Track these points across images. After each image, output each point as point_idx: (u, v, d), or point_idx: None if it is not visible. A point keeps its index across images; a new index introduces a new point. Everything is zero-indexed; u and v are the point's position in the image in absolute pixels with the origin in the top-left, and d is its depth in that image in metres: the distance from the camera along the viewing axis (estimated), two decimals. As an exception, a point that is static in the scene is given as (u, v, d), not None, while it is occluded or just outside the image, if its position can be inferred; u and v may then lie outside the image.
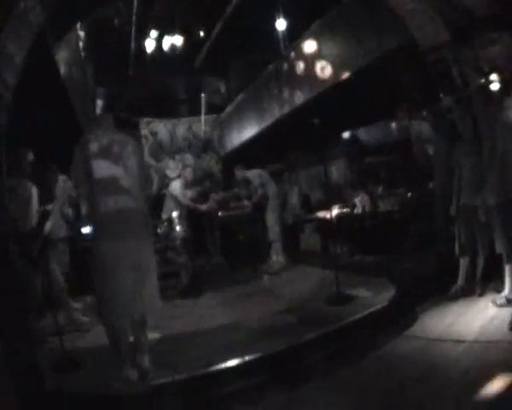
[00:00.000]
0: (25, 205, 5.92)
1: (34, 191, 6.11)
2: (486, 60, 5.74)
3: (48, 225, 6.12)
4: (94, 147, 4.27)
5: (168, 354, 4.72)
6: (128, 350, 4.21)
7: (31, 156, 6.19)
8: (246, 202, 10.51)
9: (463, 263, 5.74)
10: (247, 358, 4.34)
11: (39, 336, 5.32)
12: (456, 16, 5.98)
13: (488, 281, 5.68)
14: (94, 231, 4.42)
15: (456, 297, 5.62)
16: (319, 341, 4.72)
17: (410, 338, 4.81)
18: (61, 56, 7.31)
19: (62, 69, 7.34)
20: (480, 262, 5.70)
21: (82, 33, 9.74)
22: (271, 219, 9.49)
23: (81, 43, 9.73)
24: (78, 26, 9.11)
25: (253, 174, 9.89)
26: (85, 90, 10.81)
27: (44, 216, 6.09)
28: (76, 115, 8.72)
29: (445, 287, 5.87)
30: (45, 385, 3.99)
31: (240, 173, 10.23)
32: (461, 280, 5.74)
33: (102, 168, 4.21)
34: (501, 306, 4.99)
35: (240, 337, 5.05)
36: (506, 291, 5.05)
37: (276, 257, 9.33)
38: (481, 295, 5.55)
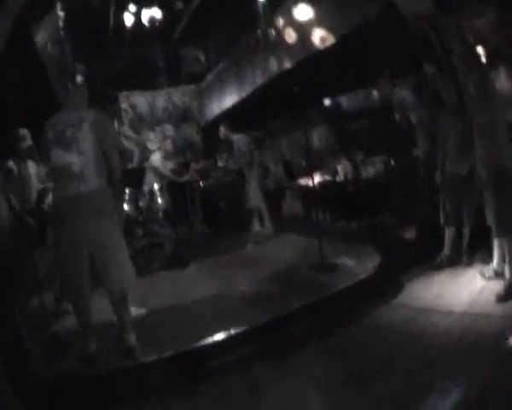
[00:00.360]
0: (23, 185, 6.01)
1: (32, 170, 6.16)
2: (471, 31, 5.71)
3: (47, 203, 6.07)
4: (50, 134, 4.24)
5: (154, 330, 4.73)
6: (85, 329, 4.28)
7: (27, 135, 6.16)
8: (229, 167, 10.26)
9: (449, 232, 5.75)
10: (232, 331, 4.36)
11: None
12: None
13: (475, 251, 5.68)
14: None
15: (441, 266, 5.65)
16: (304, 311, 4.74)
17: (396, 307, 4.86)
18: (41, 37, 7.25)
19: (41, 49, 7.27)
20: (466, 232, 5.70)
21: (61, 13, 9.72)
22: (255, 186, 9.27)
23: (60, 23, 9.69)
24: (58, 6, 9.02)
25: (241, 140, 9.49)
26: (64, 67, 10.71)
27: (43, 194, 6.05)
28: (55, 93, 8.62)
29: (429, 255, 5.89)
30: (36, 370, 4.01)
31: (225, 133, 9.73)
32: (446, 249, 5.76)
33: (55, 156, 4.21)
34: (489, 278, 5.01)
35: (225, 308, 5.08)
36: (494, 264, 5.04)
37: (262, 226, 9.20)
38: (468, 265, 5.58)
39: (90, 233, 4.11)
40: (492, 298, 4.47)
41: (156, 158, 9.21)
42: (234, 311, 4.95)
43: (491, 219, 4.84)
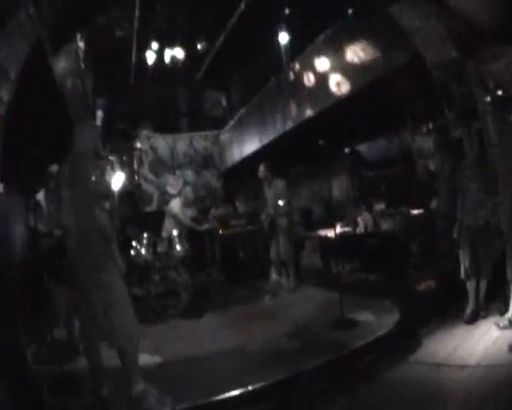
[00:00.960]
0: (49, 219, 5.93)
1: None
2: (491, 75, 5.71)
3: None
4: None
5: (169, 381, 4.62)
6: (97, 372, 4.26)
7: (54, 169, 6.18)
8: (264, 216, 9.46)
9: (471, 286, 5.63)
10: (249, 386, 4.24)
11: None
12: (463, 30, 5.95)
13: (491, 302, 5.61)
14: None
15: (472, 321, 5.49)
16: (323, 368, 4.62)
17: (413, 364, 4.75)
18: (60, 67, 7.19)
19: (60, 80, 7.22)
20: (483, 285, 5.59)
21: (82, 44, 9.68)
22: (284, 236, 8.90)
23: (81, 54, 9.67)
24: (79, 36, 9.03)
25: (280, 183, 9.02)
26: (84, 101, 10.75)
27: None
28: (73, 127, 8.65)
29: (448, 308, 5.82)
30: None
31: (265, 174, 9.15)
32: (472, 303, 5.62)
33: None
34: (504, 328, 4.95)
35: (242, 363, 4.98)
36: (509, 314, 4.99)
37: (286, 278, 8.91)
38: (484, 317, 5.48)
39: (92, 286, 4.13)
40: (505, 347, 4.44)
41: (176, 204, 9.21)
42: (251, 365, 4.85)
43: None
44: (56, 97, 7.00)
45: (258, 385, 4.28)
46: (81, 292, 4.20)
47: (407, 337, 5.29)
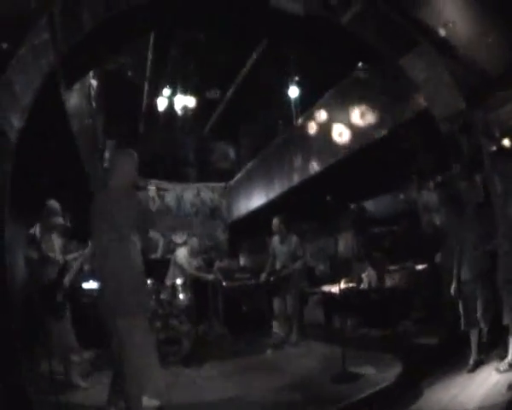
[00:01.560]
0: (47, 256, 5.97)
1: (57, 242, 6.19)
2: (497, 123, 5.80)
3: (67, 278, 6.09)
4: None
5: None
6: None
7: (57, 210, 6.24)
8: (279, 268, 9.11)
9: (473, 336, 5.63)
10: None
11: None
12: (471, 78, 6.06)
13: (492, 349, 5.62)
14: None
15: (475, 369, 5.45)
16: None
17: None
18: (72, 103, 7.23)
19: (72, 117, 7.25)
20: (484, 332, 5.61)
21: (94, 82, 9.78)
22: (294, 294, 8.73)
23: (93, 92, 9.76)
24: (91, 74, 9.14)
25: (295, 239, 8.92)
26: (95, 141, 10.82)
27: (63, 268, 6.08)
28: (83, 166, 8.70)
29: (450, 359, 5.83)
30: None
31: (279, 227, 9.00)
32: (474, 353, 5.60)
33: None
34: (504, 372, 4.97)
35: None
36: (509, 357, 5.01)
37: (290, 333, 8.61)
38: (485, 363, 5.48)
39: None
40: (504, 389, 4.48)
41: (182, 253, 9.27)
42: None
43: (509, 318, 4.93)
44: (66, 132, 7.08)
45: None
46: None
47: (408, 389, 5.24)
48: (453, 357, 5.82)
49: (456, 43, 5.98)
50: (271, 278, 9.11)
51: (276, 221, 9.01)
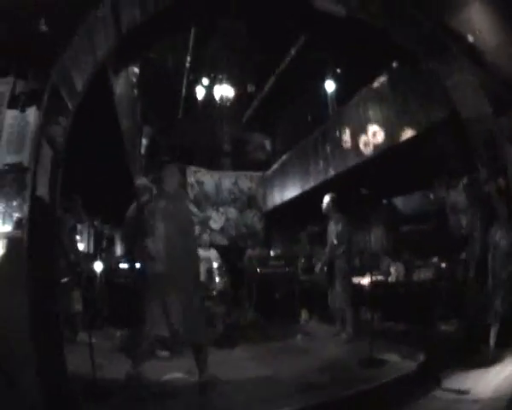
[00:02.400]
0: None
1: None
2: None
3: None
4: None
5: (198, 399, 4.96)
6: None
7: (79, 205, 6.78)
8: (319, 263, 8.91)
9: (494, 330, 5.92)
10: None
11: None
12: (498, 87, 6.22)
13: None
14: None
15: (490, 363, 5.67)
16: (351, 399, 4.85)
17: (433, 400, 5.00)
18: (117, 90, 7.44)
19: (118, 104, 7.47)
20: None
21: (136, 69, 9.93)
22: (343, 283, 8.12)
23: (134, 79, 9.91)
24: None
25: (342, 219, 8.19)
26: (136, 129, 11.00)
27: None
28: (125, 154, 8.95)
29: (469, 353, 6.03)
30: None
31: (329, 208, 8.33)
32: (492, 347, 5.90)
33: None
34: None
35: (272, 391, 5.16)
36: None
37: (343, 328, 8.11)
38: (501, 357, 5.71)
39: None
40: None
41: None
42: (280, 394, 5.02)
43: None
44: (112, 119, 7.35)
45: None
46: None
47: (428, 378, 5.47)
48: (473, 353, 6.03)
49: (483, 50, 6.15)
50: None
51: (327, 201, 8.38)
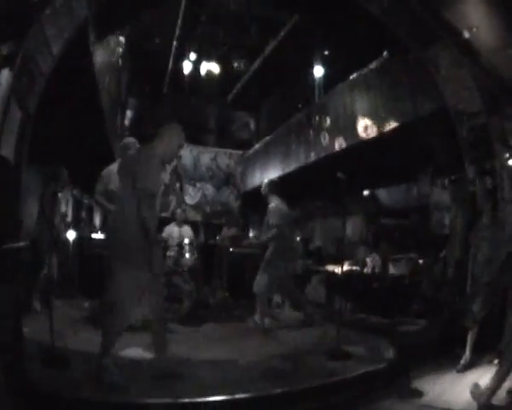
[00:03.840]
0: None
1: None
2: None
3: None
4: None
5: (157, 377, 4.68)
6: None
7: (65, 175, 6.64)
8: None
9: (472, 335, 5.68)
10: (236, 396, 4.29)
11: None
12: (492, 85, 6.08)
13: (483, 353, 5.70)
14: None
15: (464, 370, 5.54)
16: (310, 392, 4.67)
17: (401, 402, 4.80)
18: (99, 58, 7.23)
19: (98, 70, 7.25)
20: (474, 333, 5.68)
21: (122, 39, 9.71)
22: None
23: (120, 49, 9.70)
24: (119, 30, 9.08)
25: (269, 210, 7.83)
26: (118, 98, 10.81)
27: None
28: (104, 122, 8.74)
29: (442, 354, 5.91)
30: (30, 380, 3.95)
31: (265, 192, 7.96)
32: (468, 353, 5.66)
33: None
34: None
35: (232, 374, 4.99)
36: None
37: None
38: (475, 365, 5.56)
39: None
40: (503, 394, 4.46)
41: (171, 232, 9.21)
42: (240, 378, 4.86)
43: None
44: (91, 87, 7.12)
45: (241, 395, 4.32)
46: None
47: (397, 376, 5.33)
48: (445, 354, 5.89)
49: (478, 47, 5.99)
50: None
51: (264, 184, 8.19)
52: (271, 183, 8.09)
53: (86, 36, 5.86)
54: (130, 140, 6.50)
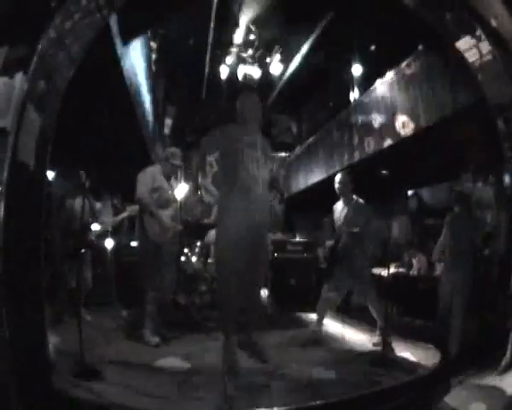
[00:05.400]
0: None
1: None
2: None
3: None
4: None
5: (195, 388, 4.60)
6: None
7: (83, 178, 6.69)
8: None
9: None
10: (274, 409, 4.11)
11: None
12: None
13: None
14: None
15: (505, 371, 5.21)
16: (355, 402, 4.48)
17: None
18: (128, 62, 7.14)
19: (128, 77, 7.15)
20: None
21: (154, 44, 9.64)
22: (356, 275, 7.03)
23: (153, 55, 9.64)
24: (150, 35, 9.03)
25: (356, 205, 7.13)
26: (155, 105, 10.78)
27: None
28: (140, 128, 8.72)
29: (485, 358, 5.57)
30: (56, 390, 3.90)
31: (342, 186, 7.13)
32: (509, 355, 5.29)
33: None
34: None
35: (273, 384, 4.83)
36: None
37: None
38: None
39: None
40: None
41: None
42: (282, 388, 4.73)
43: None
44: (121, 92, 7.06)
45: (284, 408, 4.15)
46: None
47: (441, 382, 5.10)
48: (489, 358, 5.53)
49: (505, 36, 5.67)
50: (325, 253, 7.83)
51: (341, 178, 7.14)
52: (350, 175, 7.21)
53: (110, 39, 5.79)
54: (175, 150, 6.86)
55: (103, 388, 4.34)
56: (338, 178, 7.17)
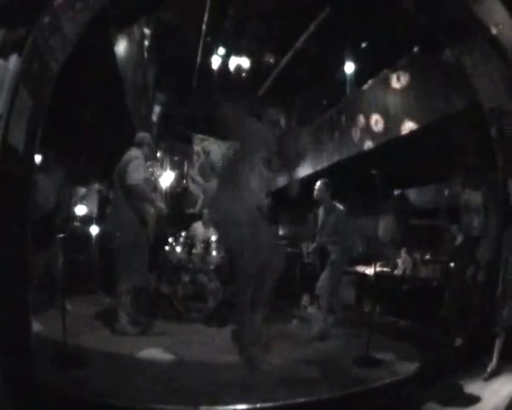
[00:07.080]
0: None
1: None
2: None
3: None
4: None
5: (174, 380, 4.55)
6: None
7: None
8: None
9: (499, 341, 5.44)
10: (258, 405, 4.08)
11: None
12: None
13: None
14: None
15: (489, 378, 5.26)
16: (335, 402, 4.47)
17: (425, 410, 4.60)
18: (121, 48, 7.06)
19: (121, 62, 7.09)
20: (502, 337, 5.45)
21: (147, 31, 9.58)
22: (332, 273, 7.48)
23: (146, 42, 9.57)
24: (144, 22, 8.95)
25: (338, 214, 7.62)
26: (144, 92, 10.70)
27: None
28: (129, 116, 8.62)
29: (470, 362, 5.64)
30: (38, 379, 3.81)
31: (321, 194, 7.68)
32: (494, 361, 5.41)
33: None
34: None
35: (254, 380, 4.79)
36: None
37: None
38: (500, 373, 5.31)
39: None
40: None
41: (197, 228, 9.16)
42: (264, 385, 4.66)
43: None
44: (112, 77, 6.98)
45: (263, 405, 4.12)
46: None
47: (424, 385, 5.08)
48: (474, 362, 5.62)
49: (505, 44, 5.72)
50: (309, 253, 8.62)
51: (318, 185, 7.72)
52: (328, 184, 7.69)
53: (105, 24, 5.71)
54: (144, 134, 6.79)
55: (86, 376, 4.30)
56: (316, 185, 7.72)
